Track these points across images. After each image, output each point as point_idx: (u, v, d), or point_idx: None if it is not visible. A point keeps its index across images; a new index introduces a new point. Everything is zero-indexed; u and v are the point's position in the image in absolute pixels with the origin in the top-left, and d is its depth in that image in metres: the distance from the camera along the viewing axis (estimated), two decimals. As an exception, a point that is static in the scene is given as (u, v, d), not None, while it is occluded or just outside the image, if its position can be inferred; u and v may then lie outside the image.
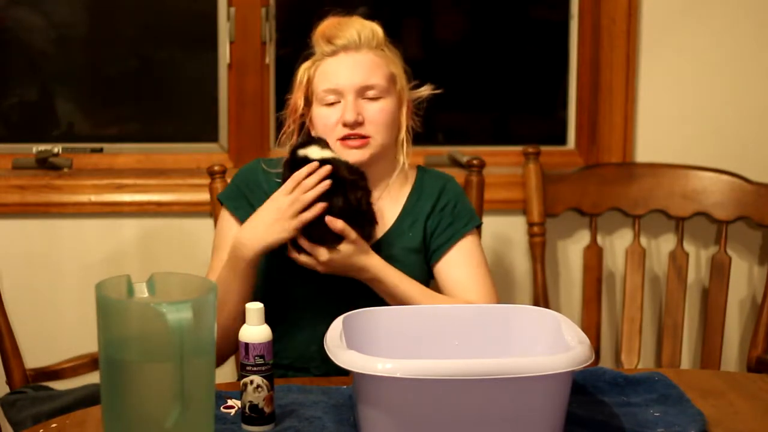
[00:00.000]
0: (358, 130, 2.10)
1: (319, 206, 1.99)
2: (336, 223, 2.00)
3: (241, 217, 2.13)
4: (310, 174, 2.02)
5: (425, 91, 2.23)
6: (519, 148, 2.80)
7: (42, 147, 2.79)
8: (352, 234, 2.01)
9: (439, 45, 3.05)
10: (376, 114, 2.11)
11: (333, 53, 2.13)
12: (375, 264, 2.06)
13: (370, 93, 2.11)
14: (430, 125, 3.00)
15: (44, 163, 2.78)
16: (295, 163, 2.06)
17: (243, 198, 2.16)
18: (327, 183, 2.01)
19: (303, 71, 2.16)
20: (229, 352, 2.11)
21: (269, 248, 2.03)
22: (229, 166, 2.74)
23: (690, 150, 2.82)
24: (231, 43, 2.79)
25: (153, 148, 2.87)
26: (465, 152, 2.80)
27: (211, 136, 2.87)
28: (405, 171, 2.20)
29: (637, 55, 2.80)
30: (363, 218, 2.05)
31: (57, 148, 2.80)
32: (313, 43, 2.16)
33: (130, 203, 2.74)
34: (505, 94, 3.02)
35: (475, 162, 2.55)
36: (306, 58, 2.18)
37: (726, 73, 2.83)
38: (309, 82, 2.15)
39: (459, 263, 2.15)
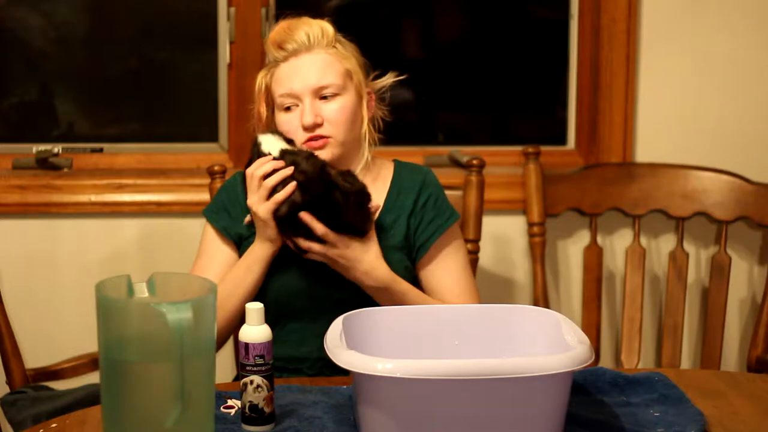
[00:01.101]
0: (319, 131, 2.10)
1: (291, 185, 2.02)
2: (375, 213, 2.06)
3: (221, 227, 2.17)
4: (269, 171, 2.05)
5: (388, 79, 2.22)
6: (519, 148, 2.80)
7: (42, 147, 2.79)
8: (373, 236, 2.06)
9: (439, 45, 3.05)
10: (334, 113, 2.11)
11: (285, 58, 2.13)
12: (384, 274, 2.07)
13: (326, 93, 2.11)
14: (430, 125, 3.02)
15: (44, 163, 2.78)
16: (254, 153, 2.10)
17: (223, 210, 2.19)
18: (289, 169, 2.02)
19: (260, 79, 2.18)
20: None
21: (267, 238, 2.06)
22: (229, 166, 2.74)
23: (690, 150, 2.82)
24: (231, 42, 2.79)
25: (153, 148, 2.87)
26: (465, 152, 2.80)
27: (211, 135, 2.87)
28: (369, 164, 2.19)
29: (637, 55, 2.80)
30: (364, 205, 2.07)
31: (57, 148, 2.80)
32: (266, 50, 2.17)
33: (130, 203, 2.74)
34: (505, 94, 3.02)
35: (475, 162, 2.55)
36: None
37: (726, 73, 2.83)
38: (267, 89, 2.17)
39: (444, 264, 2.16)
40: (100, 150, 2.85)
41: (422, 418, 1.56)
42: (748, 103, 2.84)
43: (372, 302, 2.07)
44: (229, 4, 2.78)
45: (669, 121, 2.84)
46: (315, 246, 2.04)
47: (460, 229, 2.46)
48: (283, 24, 2.15)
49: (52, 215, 2.73)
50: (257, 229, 2.08)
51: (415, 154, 2.80)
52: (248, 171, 2.06)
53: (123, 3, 2.90)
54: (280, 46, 2.13)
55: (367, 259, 2.05)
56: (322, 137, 2.10)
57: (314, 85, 2.10)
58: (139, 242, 2.76)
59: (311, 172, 2.03)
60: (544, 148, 2.78)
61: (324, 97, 2.11)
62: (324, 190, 2.03)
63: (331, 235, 2.02)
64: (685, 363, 2.88)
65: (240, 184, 2.18)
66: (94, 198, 2.73)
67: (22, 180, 2.73)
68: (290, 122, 2.12)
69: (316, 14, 2.18)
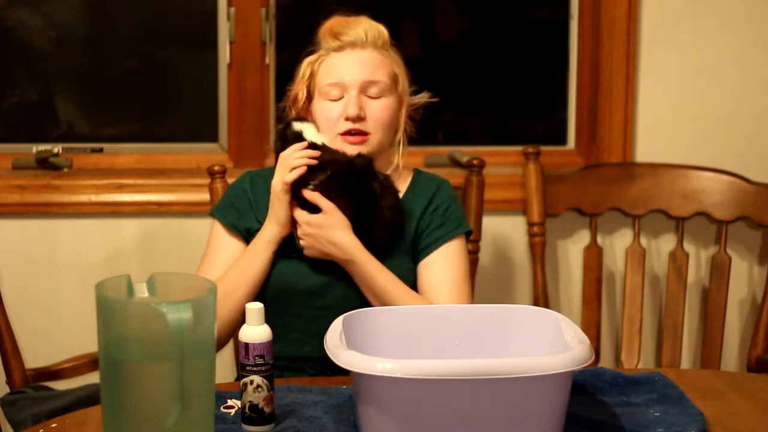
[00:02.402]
0: (359, 126, 2.12)
1: (301, 169, 2.06)
2: (308, 193, 2.06)
3: (229, 223, 2.18)
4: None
5: (422, 98, 2.25)
6: (519, 148, 2.80)
7: (42, 147, 2.79)
8: (327, 205, 2.06)
9: (439, 45, 3.05)
10: (378, 111, 2.13)
11: (339, 48, 2.15)
12: (349, 243, 2.06)
13: (373, 90, 2.13)
14: (430, 125, 3.01)
15: (44, 163, 2.77)
16: (287, 136, 2.12)
17: (231, 207, 2.20)
18: (316, 152, 2.08)
19: (306, 65, 2.19)
20: (220, 345, 2.14)
21: (276, 220, 2.08)
22: (229, 166, 2.74)
23: (690, 150, 2.82)
24: (231, 43, 2.79)
25: (153, 148, 2.87)
26: (465, 152, 2.80)
27: (211, 136, 2.87)
28: (399, 172, 2.21)
29: (637, 55, 2.80)
30: (393, 206, 2.12)
31: (57, 148, 2.80)
32: (319, 38, 2.19)
33: (130, 203, 2.74)
34: (505, 94, 3.02)
35: (475, 162, 2.55)
36: (309, 54, 2.20)
37: (726, 73, 2.83)
38: (312, 75, 2.18)
39: (440, 266, 2.15)
40: (100, 150, 2.85)
41: (422, 418, 1.56)
42: (748, 102, 2.84)
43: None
44: (229, 4, 2.78)
45: (669, 121, 2.84)
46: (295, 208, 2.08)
47: (472, 229, 2.44)
48: (340, 17, 2.18)
49: (52, 215, 2.73)
50: (270, 209, 2.09)
51: (415, 154, 2.79)
52: (284, 153, 2.08)
53: (123, 3, 2.90)
54: (337, 36, 2.15)
55: (333, 229, 2.06)
56: (361, 132, 2.12)
57: (365, 78, 2.13)
58: (139, 242, 2.76)
59: (361, 159, 2.09)
60: (544, 148, 2.78)
61: (369, 95, 2.13)
62: (368, 175, 2.09)
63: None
64: (685, 363, 2.88)
65: (247, 182, 2.21)
66: (94, 198, 2.73)
67: (22, 180, 2.73)
68: (332, 111, 2.13)
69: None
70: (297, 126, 2.13)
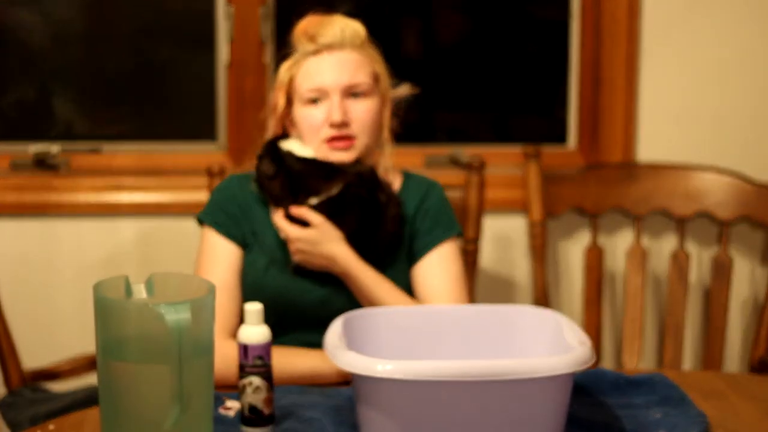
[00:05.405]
0: (345, 131, 2.07)
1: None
2: (294, 210, 2.05)
3: (221, 230, 2.11)
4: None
5: (403, 90, 2.20)
6: (520, 148, 2.79)
7: (39, 147, 2.78)
8: (316, 218, 2.04)
9: (439, 44, 3.04)
10: (362, 114, 2.09)
11: (316, 52, 2.09)
12: (344, 256, 2.04)
13: (356, 92, 2.09)
14: (430, 125, 3.01)
15: (42, 163, 2.77)
16: (278, 156, 2.08)
17: (221, 211, 2.13)
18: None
19: (284, 71, 2.13)
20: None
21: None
22: (228, 166, 2.73)
23: (691, 149, 2.82)
24: (230, 42, 2.79)
25: (151, 148, 2.87)
26: (465, 152, 2.79)
27: (210, 135, 2.87)
28: (390, 174, 2.17)
29: (639, 54, 2.79)
30: (396, 216, 2.11)
31: (55, 147, 2.80)
32: (294, 41, 2.13)
33: (128, 203, 2.73)
34: (506, 93, 3.01)
35: (475, 162, 2.55)
36: (285, 57, 2.15)
37: (728, 72, 2.82)
38: (291, 81, 2.12)
39: (436, 271, 2.12)
40: (98, 150, 2.85)
41: (422, 420, 1.56)
42: (750, 102, 2.84)
43: None
44: (228, 3, 2.78)
45: (670, 121, 2.84)
46: (285, 224, 2.06)
47: (462, 231, 2.44)
48: (314, 18, 2.12)
49: (49, 215, 2.73)
50: None
51: (415, 154, 2.79)
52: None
53: (121, 2, 2.89)
54: (312, 39, 2.09)
55: (325, 243, 2.04)
56: (347, 137, 2.08)
57: (346, 82, 2.07)
58: (138, 243, 2.75)
59: (367, 170, 2.08)
60: (544, 148, 2.78)
61: (352, 97, 2.09)
62: (375, 186, 2.07)
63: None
64: (687, 364, 2.87)
65: (235, 185, 2.17)
66: (92, 198, 2.72)
67: (19, 180, 2.73)
68: (315, 117, 2.08)
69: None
70: (285, 145, 2.09)
